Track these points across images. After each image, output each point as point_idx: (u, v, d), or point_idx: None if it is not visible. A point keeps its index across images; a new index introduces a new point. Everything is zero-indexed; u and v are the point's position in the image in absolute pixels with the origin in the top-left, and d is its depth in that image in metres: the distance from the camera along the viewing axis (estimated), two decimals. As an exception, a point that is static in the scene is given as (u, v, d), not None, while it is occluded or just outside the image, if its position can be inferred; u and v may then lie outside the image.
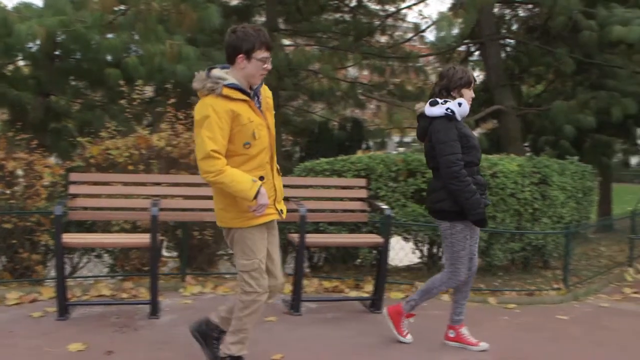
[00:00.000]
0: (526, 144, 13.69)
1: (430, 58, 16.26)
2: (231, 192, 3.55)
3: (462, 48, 15.36)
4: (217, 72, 3.58)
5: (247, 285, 3.75)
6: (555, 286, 6.90)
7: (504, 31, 14.63)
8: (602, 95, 11.46)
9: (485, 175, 6.89)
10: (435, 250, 7.39)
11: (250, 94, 3.63)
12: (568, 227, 7.17)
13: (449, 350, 4.80)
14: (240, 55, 3.56)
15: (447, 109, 4.41)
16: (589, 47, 11.82)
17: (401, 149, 17.37)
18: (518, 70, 14.28)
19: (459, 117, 4.45)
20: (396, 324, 4.91)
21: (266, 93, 3.80)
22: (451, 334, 4.88)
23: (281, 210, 3.85)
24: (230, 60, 3.61)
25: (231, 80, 3.56)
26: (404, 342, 4.85)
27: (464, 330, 4.86)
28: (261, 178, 3.64)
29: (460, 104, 4.44)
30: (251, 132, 3.58)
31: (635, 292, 7.08)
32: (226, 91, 3.52)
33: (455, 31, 13.50)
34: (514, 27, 15.46)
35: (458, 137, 4.39)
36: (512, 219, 7.06)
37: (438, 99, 4.48)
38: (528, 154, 12.11)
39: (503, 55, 14.17)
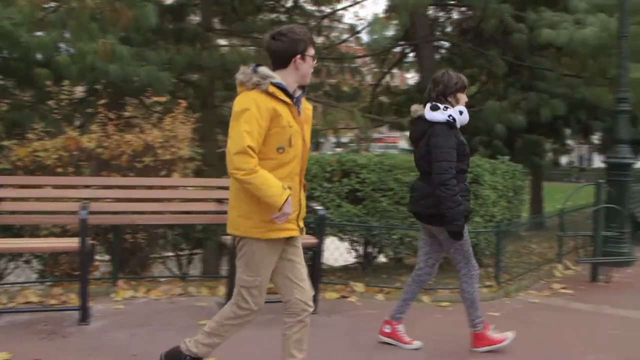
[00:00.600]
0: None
1: (366, 59, 16.41)
2: (258, 196, 3.37)
3: (398, 49, 15.56)
4: (265, 69, 3.49)
5: (244, 301, 3.62)
6: (487, 283, 7.03)
7: (438, 33, 14.87)
8: (532, 96, 11.78)
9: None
10: (370, 250, 7.45)
11: (294, 98, 3.54)
12: (499, 226, 7.33)
13: (383, 349, 4.84)
14: (298, 57, 3.52)
15: (449, 116, 4.44)
16: (519, 49, 12.14)
17: (338, 150, 17.45)
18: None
19: (458, 125, 4.50)
20: (490, 342, 4.83)
21: (306, 105, 3.70)
22: (387, 329, 4.91)
23: (302, 227, 3.69)
24: (282, 65, 3.53)
25: (279, 80, 3.47)
26: (509, 341, 4.83)
27: (401, 328, 4.92)
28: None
29: (461, 112, 4.50)
30: (288, 137, 3.46)
31: (563, 288, 7.27)
32: (272, 89, 3.43)
33: (391, 33, 13.66)
34: (448, 29, 15.74)
35: (456, 145, 4.44)
36: (445, 218, 7.16)
37: (439, 104, 4.49)
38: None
39: (437, 57, 14.41)
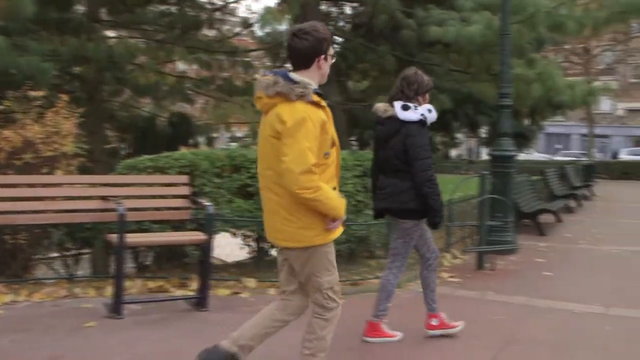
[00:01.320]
0: (353, 138, 14.15)
1: (260, 53, 16.33)
2: (322, 210, 3.35)
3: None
4: (301, 77, 3.35)
5: (331, 301, 3.58)
6: (378, 275, 7.13)
7: (330, 28, 14.96)
8: (421, 91, 12.05)
9: (309, 169, 7.02)
10: (262, 245, 7.41)
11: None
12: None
13: (273, 343, 4.81)
14: (322, 56, 3.43)
15: (421, 115, 4.57)
16: (409, 45, 12.40)
17: (233, 144, 17.29)
18: (345, 66, 14.67)
19: (428, 123, 4.63)
20: (382, 334, 5.02)
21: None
22: (434, 322, 5.10)
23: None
24: (304, 64, 3.42)
25: (315, 85, 3.37)
26: (398, 339, 5.03)
27: (443, 315, 5.16)
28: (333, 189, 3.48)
29: (430, 110, 4.66)
30: (331, 140, 3.41)
31: (451, 277, 7.49)
32: (315, 97, 3.34)
33: (284, 27, 13.65)
34: (341, 24, 15.88)
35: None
36: (336, 211, 7.20)
37: (409, 104, 4.61)
38: (355, 147, 12.50)
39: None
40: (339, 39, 15.24)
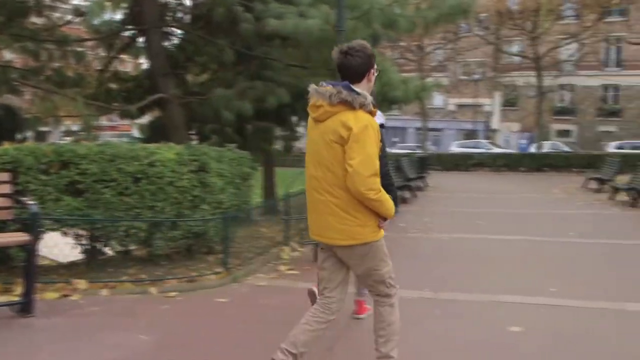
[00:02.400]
0: (193, 132, 13.88)
1: (94, 43, 15.59)
2: (380, 210, 3.69)
3: (127, 34, 15.02)
4: (359, 89, 3.65)
5: (391, 287, 3.98)
6: (216, 270, 7.09)
7: (169, 19, 14.61)
8: (258, 85, 12.08)
9: (143, 164, 6.83)
10: (95, 244, 7.12)
11: None
12: (227, 213, 7.42)
13: (111, 346, 4.66)
14: (372, 70, 3.78)
15: (383, 119, 5.14)
16: (248, 39, 12.38)
17: (68, 139, 16.43)
18: (183, 59, 14.38)
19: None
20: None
21: None
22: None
23: None
24: (357, 79, 3.72)
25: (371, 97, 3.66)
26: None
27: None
28: None
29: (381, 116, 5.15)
30: (380, 148, 3.70)
31: (289, 269, 7.59)
32: (373, 108, 3.65)
33: (118, 16, 13.19)
34: (180, 15, 15.54)
35: None
36: (172, 207, 7.04)
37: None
38: (195, 141, 12.31)
39: (168, 43, 14.18)
40: (178, 31, 14.91)
